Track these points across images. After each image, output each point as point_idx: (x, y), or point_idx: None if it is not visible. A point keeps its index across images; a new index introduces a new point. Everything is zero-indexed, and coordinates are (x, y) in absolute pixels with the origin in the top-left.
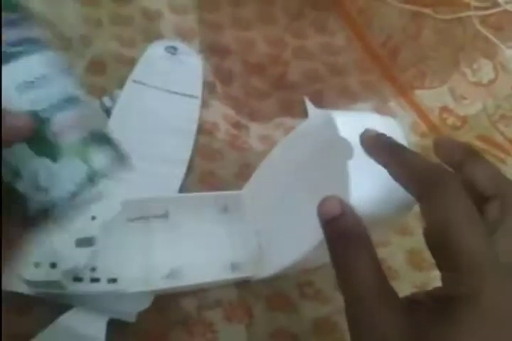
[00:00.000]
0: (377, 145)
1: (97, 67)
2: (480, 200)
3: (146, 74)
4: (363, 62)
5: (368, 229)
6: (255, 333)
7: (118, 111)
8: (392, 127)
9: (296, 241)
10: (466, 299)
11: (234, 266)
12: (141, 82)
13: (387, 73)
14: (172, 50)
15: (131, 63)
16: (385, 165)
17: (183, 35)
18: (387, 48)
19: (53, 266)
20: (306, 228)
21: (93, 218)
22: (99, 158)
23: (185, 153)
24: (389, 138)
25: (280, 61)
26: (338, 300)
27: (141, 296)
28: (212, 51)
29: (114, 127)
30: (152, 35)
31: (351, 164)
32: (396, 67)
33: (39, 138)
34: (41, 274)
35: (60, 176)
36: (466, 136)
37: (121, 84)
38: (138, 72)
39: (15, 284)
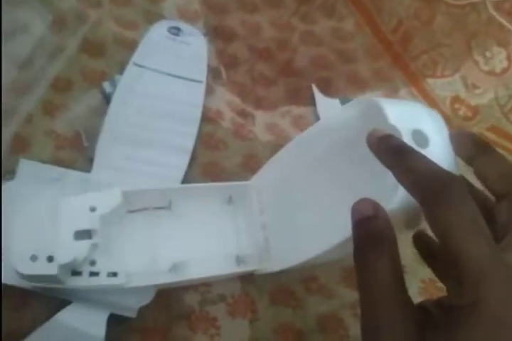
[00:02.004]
0: (383, 147)
1: (95, 49)
2: (492, 198)
3: (148, 57)
4: (372, 48)
5: (397, 233)
6: (259, 329)
7: (118, 96)
8: (435, 117)
9: (311, 240)
10: (468, 308)
11: (239, 259)
12: (143, 65)
13: (398, 60)
14: (175, 31)
15: (132, 46)
16: (389, 168)
17: (186, 18)
18: (398, 34)
19: (50, 259)
20: (327, 227)
21: (92, 209)
22: None
23: (189, 141)
24: (397, 139)
25: (287, 46)
26: (343, 295)
27: (143, 291)
28: (217, 35)
29: (115, 112)
30: (154, 17)
31: None
32: (407, 55)
33: None
34: (38, 268)
35: None
36: (477, 127)
37: (121, 68)
38: (139, 54)
39: (11, 277)
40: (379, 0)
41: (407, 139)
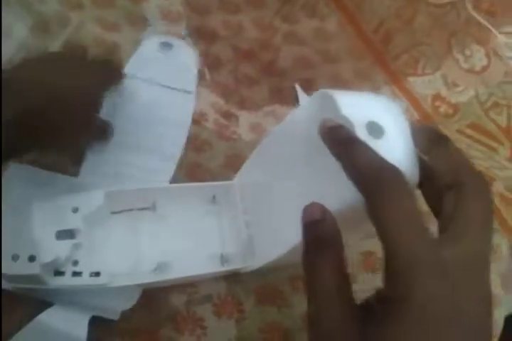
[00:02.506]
0: (332, 137)
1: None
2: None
3: (140, 68)
4: (354, 48)
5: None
6: (246, 328)
7: (110, 104)
8: (393, 108)
9: (284, 234)
10: (398, 302)
11: (223, 258)
12: (135, 76)
13: (379, 60)
14: (167, 47)
15: (113, 48)
16: (337, 159)
17: (169, 19)
18: (379, 34)
19: (32, 258)
20: (295, 221)
21: (75, 210)
22: None
23: (177, 148)
24: (346, 130)
25: (270, 47)
26: None
27: (126, 294)
28: (200, 36)
29: (106, 118)
30: (136, 19)
31: None
32: (389, 54)
33: None
34: (19, 268)
35: None
36: (457, 124)
37: None
38: (131, 65)
39: None
40: (360, 0)
41: (360, 130)
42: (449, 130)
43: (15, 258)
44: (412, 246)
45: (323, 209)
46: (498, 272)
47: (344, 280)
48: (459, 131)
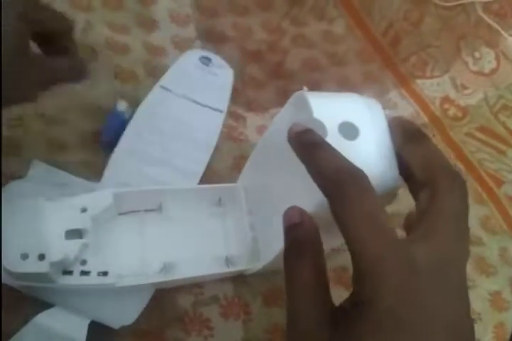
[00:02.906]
0: (298, 142)
1: (87, 53)
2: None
3: (175, 82)
4: (363, 51)
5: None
6: (252, 329)
7: (139, 114)
8: (372, 107)
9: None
10: (365, 304)
11: (228, 260)
12: (169, 89)
13: (388, 62)
14: (206, 61)
15: (124, 50)
16: (303, 162)
17: (178, 21)
18: (388, 37)
19: (41, 257)
20: None
21: (83, 210)
22: None
23: (200, 167)
24: (312, 135)
25: (278, 49)
26: (335, 295)
27: (129, 307)
28: (208, 38)
29: (133, 129)
30: (145, 21)
31: None
32: (397, 56)
33: None
34: (29, 266)
35: None
36: (466, 127)
37: (114, 72)
38: (168, 78)
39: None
40: (369, 2)
41: (333, 132)
42: (457, 133)
43: (24, 256)
44: (373, 248)
45: (302, 212)
46: (507, 276)
47: (321, 284)
48: (468, 134)
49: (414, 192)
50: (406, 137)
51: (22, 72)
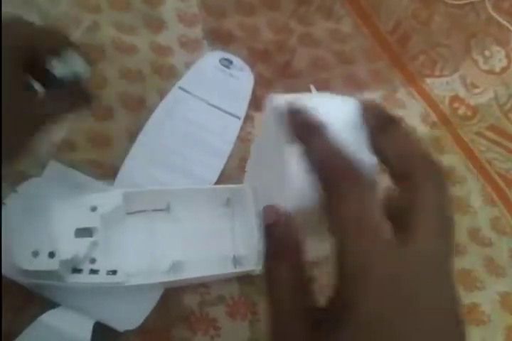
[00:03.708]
0: (293, 124)
1: (94, 54)
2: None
3: (194, 84)
4: (371, 49)
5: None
6: (259, 330)
7: (157, 116)
8: (346, 105)
9: None
10: (347, 306)
11: (236, 260)
12: (188, 91)
13: (396, 61)
14: (227, 63)
15: (131, 51)
16: (297, 141)
17: (185, 21)
18: (396, 35)
19: (52, 255)
20: None
21: (93, 209)
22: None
23: (213, 174)
24: (311, 117)
25: (286, 48)
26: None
27: (135, 310)
28: (216, 37)
29: (149, 131)
30: (153, 21)
31: (289, 151)
32: (406, 55)
33: None
34: (39, 263)
35: None
36: (476, 127)
37: (121, 73)
38: (187, 79)
39: (11, 273)
40: (376, 1)
41: None
42: (467, 132)
43: (35, 254)
44: (362, 249)
45: (278, 212)
46: None
47: (300, 284)
48: (478, 134)
49: (397, 185)
50: (378, 128)
51: (17, 117)
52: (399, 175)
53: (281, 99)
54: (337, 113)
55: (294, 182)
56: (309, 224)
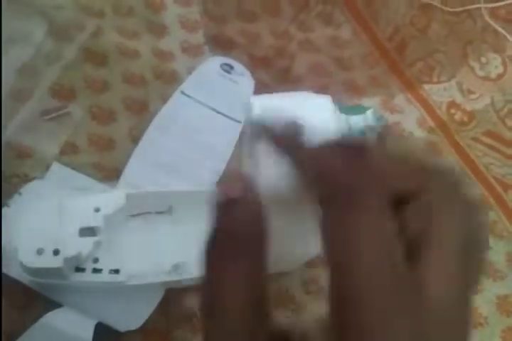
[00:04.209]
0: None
1: (98, 59)
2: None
3: (196, 88)
4: (369, 56)
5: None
6: None
7: (160, 119)
8: (323, 105)
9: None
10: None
11: None
12: (189, 95)
13: (394, 67)
14: (227, 68)
15: (134, 55)
16: (285, 154)
17: (187, 27)
18: (394, 42)
19: (56, 252)
20: None
21: (97, 210)
22: None
23: (214, 177)
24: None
25: (286, 54)
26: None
27: (137, 311)
28: (217, 44)
29: (152, 135)
30: (155, 27)
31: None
32: (403, 61)
33: None
34: (44, 261)
35: None
36: (473, 132)
37: (124, 78)
38: (188, 84)
39: (16, 271)
40: (375, 8)
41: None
42: (463, 137)
43: (40, 251)
44: (367, 277)
45: (245, 186)
46: None
47: (258, 298)
48: (475, 139)
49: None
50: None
51: None
52: (409, 193)
53: (259, 105)
54: (314, 112)
55: (267, 172)
56: (287, 223)
